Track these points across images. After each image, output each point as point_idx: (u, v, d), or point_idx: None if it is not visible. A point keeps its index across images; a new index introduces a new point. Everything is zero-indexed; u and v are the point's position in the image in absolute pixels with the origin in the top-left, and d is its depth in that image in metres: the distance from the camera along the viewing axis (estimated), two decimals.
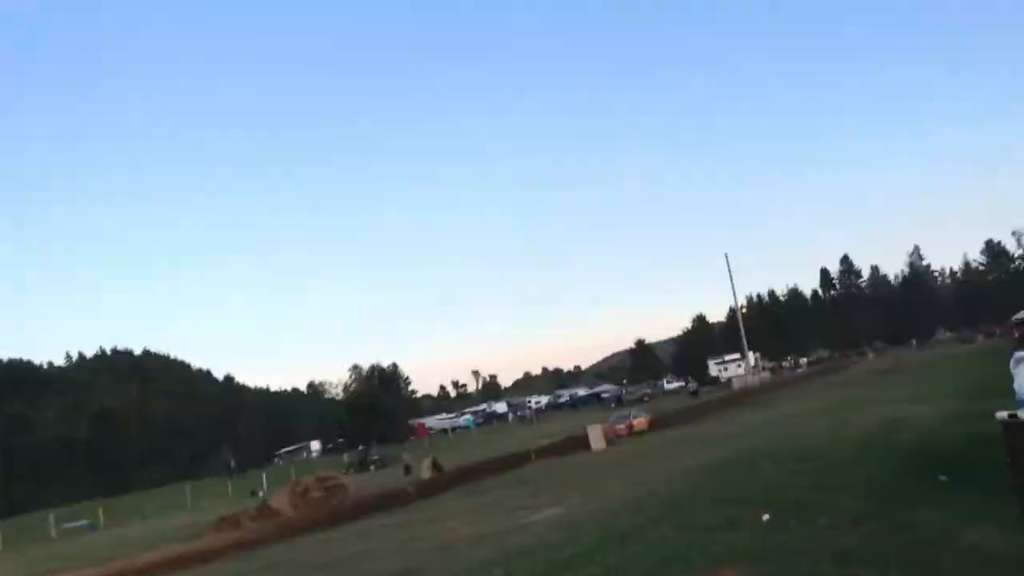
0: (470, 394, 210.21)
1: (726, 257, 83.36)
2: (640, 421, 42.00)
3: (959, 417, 17.42)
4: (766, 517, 10.03)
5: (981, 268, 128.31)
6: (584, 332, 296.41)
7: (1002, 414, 3.57)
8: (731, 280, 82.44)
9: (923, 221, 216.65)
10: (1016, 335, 27.28)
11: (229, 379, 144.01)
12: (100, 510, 48.99)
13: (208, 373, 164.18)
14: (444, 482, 30.96)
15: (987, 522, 7.79)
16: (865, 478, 11.61)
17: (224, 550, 21.58)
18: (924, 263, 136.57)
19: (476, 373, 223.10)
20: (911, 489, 10.25)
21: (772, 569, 7.51)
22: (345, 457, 67.07)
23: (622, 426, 40.35)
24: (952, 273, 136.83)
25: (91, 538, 40.00)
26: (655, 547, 9.07)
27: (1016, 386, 5.56)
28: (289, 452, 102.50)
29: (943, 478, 10.66)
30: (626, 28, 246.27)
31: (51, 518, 46.08)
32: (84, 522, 46.48)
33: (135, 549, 26.63)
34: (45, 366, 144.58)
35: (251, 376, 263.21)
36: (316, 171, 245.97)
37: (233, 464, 79.80)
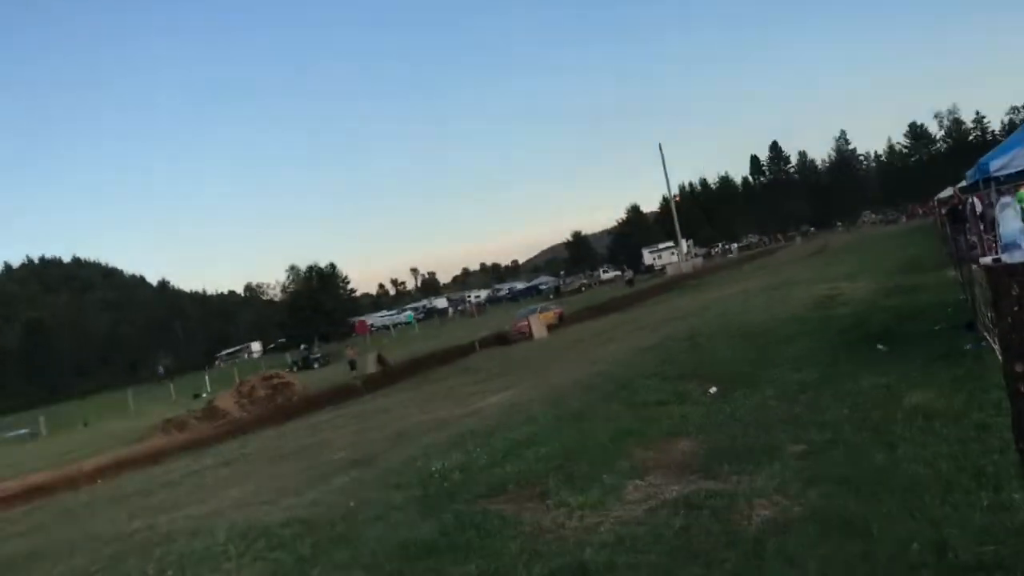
0: (409, 291, 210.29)
1: (660, 147, 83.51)
2: (548, 315, 39.54)
3: (890, 291, 18.01)
4: (713, 390, 10.31)
5: (905, 151, 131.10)
6: (520, 228, 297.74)
7: (986, 259, 3.65)
8: (664, 170, 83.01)
9: (849, 106, 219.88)
10: (942, 212, 28.10)
11: (164, 284, 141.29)
12: (41, 418, 48.29)
13: (142, 279, 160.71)
14: (391, 375, 31.16)
15: (926, 386, 8.11)
16: (806, 351, 11.93)
17: (173, 450, 21.55)
18: (850, 147, 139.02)
19: (414, 271, 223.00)
20: (852, 359, 10.56)
21: (725, 439, 7.73)
22: (288, 356, 66.88)
23: (524, 323, 37.58)
24: (877, 156, 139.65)
25: (33, 446, 39.53)
26: (609, 423, 9.26)
27: (1002, 231, 5.66)
28: (230, 354, 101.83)
29: (881, 347, 11.04)
30: None
31: None
32: (24, 431, 45.84)
33: (81, 454, 26.41)
34: None
35: (186, 280, 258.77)
36: (249, 69, 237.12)
37: (161, 371, 78.87)
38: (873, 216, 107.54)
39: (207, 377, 60.77)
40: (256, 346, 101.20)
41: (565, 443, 8.55)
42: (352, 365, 38.13)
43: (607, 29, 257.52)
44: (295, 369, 53.15)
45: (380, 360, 37.16)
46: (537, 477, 7.45)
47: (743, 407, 8.90)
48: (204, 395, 44.60)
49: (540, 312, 40.03)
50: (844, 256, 39.89)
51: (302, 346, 68.36)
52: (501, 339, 36.61)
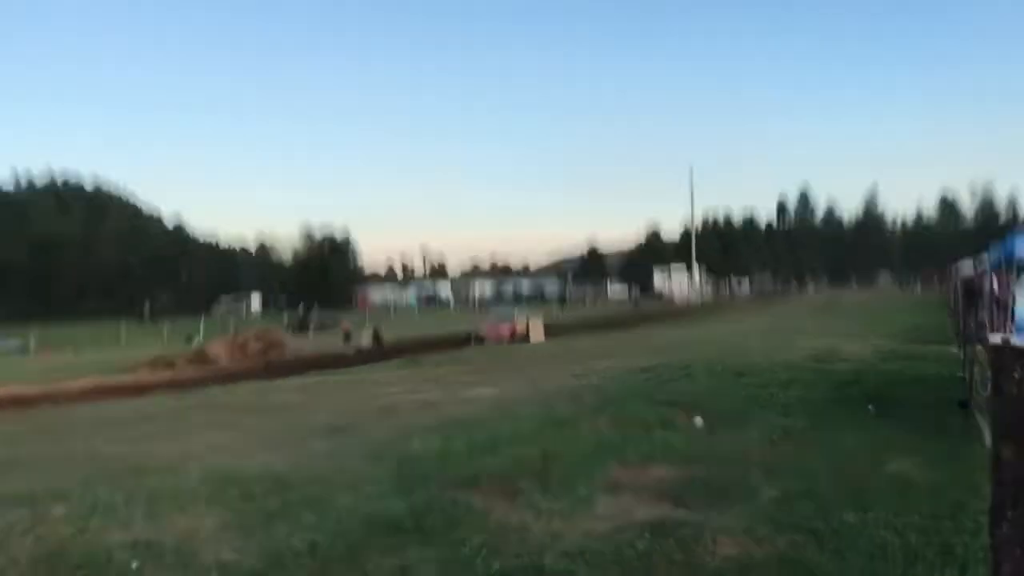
0: (416, 275, 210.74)
1: (690, 173, 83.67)
2: (531, 323, 37.24)
3: (892, 356, 18.03)
4: (699, 421, 10.34)
5: (932, 220, 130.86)
6: (536, 231, 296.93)
7: (995, 337, 3.60)
8: (691, 196, 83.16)
9: (885, 166, 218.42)
10: (957, 287, 28.01)
11: (178, 226, 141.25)
12: (32, 335, 48.55)
13: (158, 219, 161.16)
14: (384, 353, 31.27)
15: (910, 455, 8.13)
16: (797, 399, 11.95)
17: (158, 387, 21.68)
18: (879, 208, 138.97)
19: (425, 256, 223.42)
20: (841, 415, 10.61)
21: (702, 471, 7.76)
22: (285, 316, 67.06)
23: (506, 327, 36.25)
24: (903, 222, 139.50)
25: (21, 360, 39.79)
26: (591, 436, 9.30)
27: (1018, 310, 5.58)
28: (230, 304, 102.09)
29: (872, 409, 11.07)
30: None
31: None
32: (15, 343, 46.09)
33: (66, 375, 26.58)
34: None
35: (200, 225, 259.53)
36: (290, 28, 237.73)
37: (146, 312, 79.12)
38: (889, 279, 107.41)
39: (202, 323, 60.96)
40: (256, 299, 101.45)
41: (544, 447, 8.58)
42: (347, 336, 38.22)
43: (651, 48, 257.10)
44: (291, 331, 53.29)
45: (375, 336, 37.27)
46: (511, 476, 7.48)
47: (725, 443, 8.94)
48: (197, 340, 44.74)
49: (517, 320, 38.26)
50: (853, 314, 39.84)
51: (301, 308, 68.47)
52: (473, 339, 35.72)
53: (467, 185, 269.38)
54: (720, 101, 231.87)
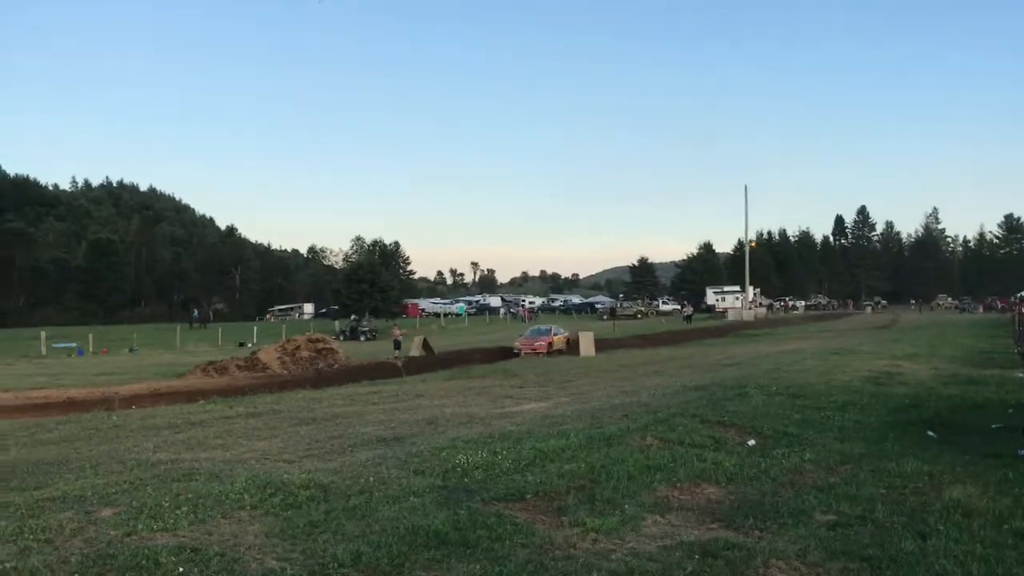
0: (466, 284, 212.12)
1: (745, 189, 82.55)
2: (559, 339, 38.26)
3: (952, 380, 17.52)
4: (752, 443, 10.12)
5: (996, 241, 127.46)
6: (587, 242, 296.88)
7: None
8: (746, 213, 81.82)
9: (947, 184, 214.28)
10: (1022, 311, 27.20)
11: (231, 230, 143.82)
12: (90, 336, 49.73)
13: (211, 220, 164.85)
14: (433, 362, 31.35)
15: (971, 481, 7.86)
16: (854, 423, 11.68)
17: (208, 392, 21.95)
18: (940, 227, 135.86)
19: (475, 265, 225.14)
20: (899, 440, 10.33)
21: (754, 493, 7.58)
22: (336, 324, 67.73)
23: (541, 342, 37.03)
24: (965, 241, 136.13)
25: (79, 361, 40.71)
26: (639, 454, 9.13)
27: None
28: (282, 310, 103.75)
29: (931, 434, 10.75)
30: None
31: (43, 336, 46.85)
32: (73, 345, 47.26)
33: (121, 378, 27.13)
34: (50, 187, 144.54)
35: (253, 231, 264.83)
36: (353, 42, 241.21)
37: (196, 314, 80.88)
38: (949, 300, 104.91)
39: (255, 328, 61.95)
40: (308, 308, 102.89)
41: (592, 464, 8.45)
42: (397, 345, 38.46)
43: (709, 63, 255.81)
44: (342, 338, 53.80)
45: (425, 345, 37.40)
46: (557, 492, 7.38)
47: (779, 465, 8.71)
48: (249, 345, 45.40)
49: (554, 335, 38.81)
50: (912, 335, 38.83)
51: (352, 316, 69.10)
52: (507, 353, 35.89)
53: (519, 196, 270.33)
54: (782, 122, 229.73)
